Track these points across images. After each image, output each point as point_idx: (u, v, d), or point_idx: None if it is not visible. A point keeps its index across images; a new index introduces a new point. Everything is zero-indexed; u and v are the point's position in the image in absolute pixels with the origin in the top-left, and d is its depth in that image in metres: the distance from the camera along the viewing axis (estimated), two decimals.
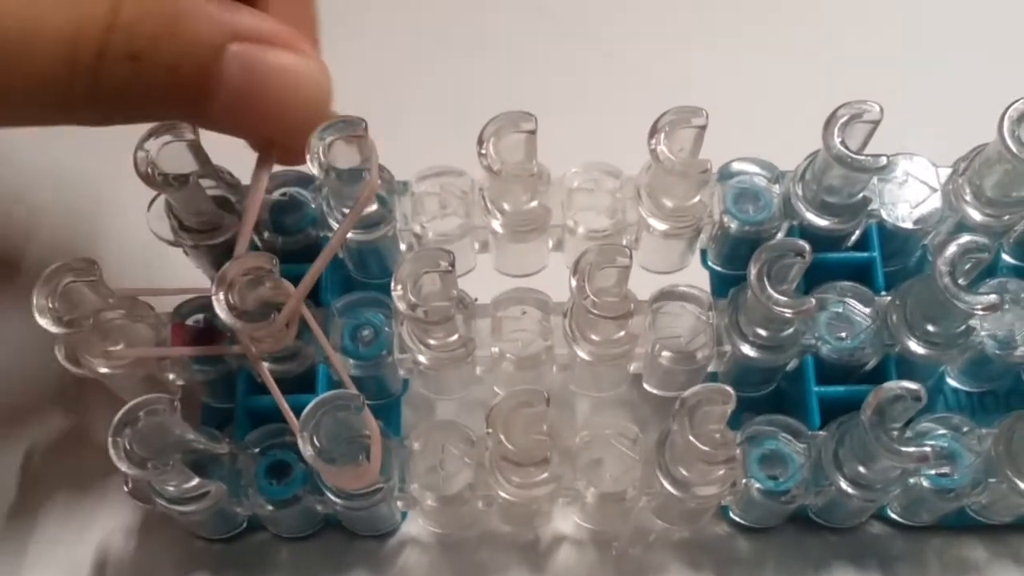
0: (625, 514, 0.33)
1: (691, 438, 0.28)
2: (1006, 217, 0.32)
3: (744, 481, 0.31)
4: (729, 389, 0.28)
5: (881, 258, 0.34)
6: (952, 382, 0.35)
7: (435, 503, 0.32)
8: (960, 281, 0.29)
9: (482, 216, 0.32)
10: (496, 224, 0.32)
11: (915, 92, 0.41)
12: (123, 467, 0.28)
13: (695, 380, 0.32)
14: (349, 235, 0.32)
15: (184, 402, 0.29)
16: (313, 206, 0.33)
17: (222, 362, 0.32)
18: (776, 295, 0.29)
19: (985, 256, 0.29)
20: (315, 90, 0.28)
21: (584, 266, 0.29)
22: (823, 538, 0.35)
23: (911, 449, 0.28)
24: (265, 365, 0.30)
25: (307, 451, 0.27)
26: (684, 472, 0.30)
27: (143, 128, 0.29)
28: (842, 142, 0.30)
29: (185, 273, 0.34)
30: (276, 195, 0.33)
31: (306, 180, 0.33)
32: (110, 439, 0.28)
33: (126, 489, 0.31)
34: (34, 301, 0.29)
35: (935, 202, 0.33)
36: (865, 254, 0.34)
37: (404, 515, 0.35)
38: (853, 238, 0.34)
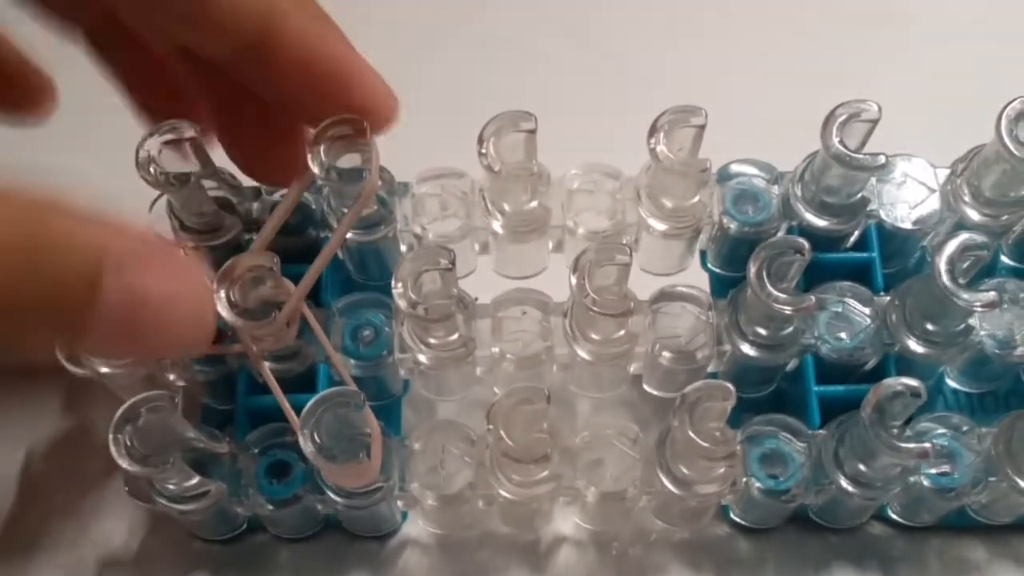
0: (625, 514, 0.33)
1: (691, 434, 0.28)
2: (1004, 217, 0.33)
3: (744, 480, 0.31)
4: (729, 385, 0.28)
5: (880, 259, 0.34)
6: (951, 383, 0.35)
7: (435, 502, 0.32)
8: (959, 280, 0.29)
9: (482, 218, 0.32)
10: (496, 225, 0.32)
11: (913, 93, 0.41)
12: (124, 464, 0.28)
13: (695, 380, 0.31)
14: (350, 236, 0.32)
15: (184, 403, 0.29)
16: (314, 207, 0.33)
17: (222, 362, 0.32)
18: (776, 293, 0.29)
19: (984, 254, 0.29)
20: (198, 314, 0.25)
21: (584, 264, 0.29)
22: (823, 538, 0.35)
23: (911, 445, 0.28)
24: (266, 364, 0.30)
25: (308, 448, 0.28)
26: (685, 470, 0.30)
27: (144, 128, 0.29)
28: (841, 141, 0.30)
29: None
30: (277, 195, 0.33)
31: None
32: (111, 436, 0.28)
33: (126, 489, 0.31)
34: None
35: (934, 203, 0.33)
36: (864, 254, 0.34)
37: (404, 516, 0.35)
38: (852, 239, 0.34)
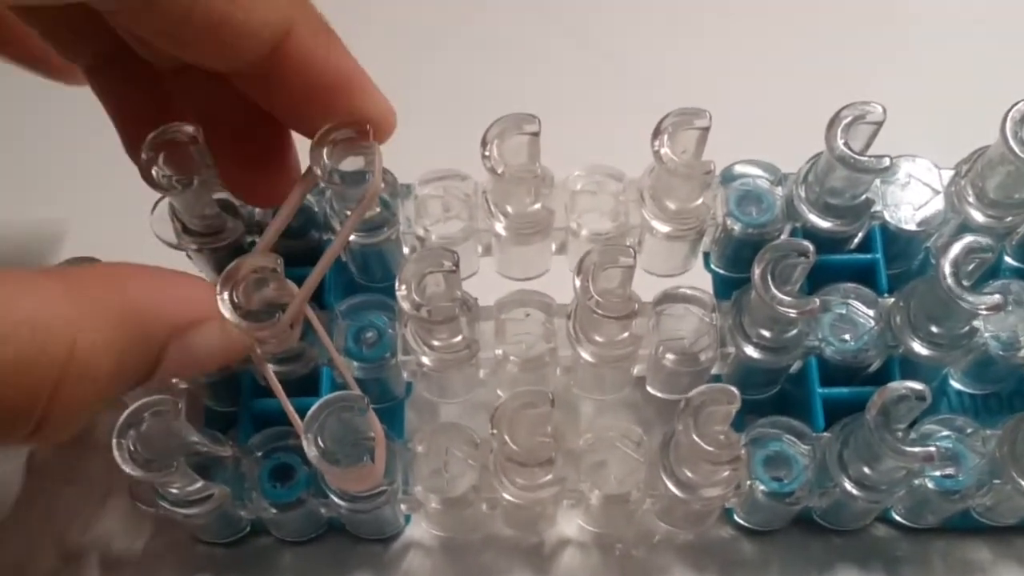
0: (629, 516, 0.33)
1: (696, 438, 0.28)
2: (1008, 219, 0.33)
3: (748, 483, 0.31)
4: (733, 389, 0.28)
5: (884, 260, 0.34)
6: (956, 384, 0.35)
7: (439, 505, 0.31)
8: (964, 282, 0.29)
9: (485, 219, 0.32)
10: (499, 227, 0.32)
11: (914, 93, 0.41)
12: (127, 469, 0.28)
13: (699, 382, 0.32)
14: (352, 238, 0.32)
15: (187, 407, 0.29)
16: (317, 209, 0.33)
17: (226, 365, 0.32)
18: (780, 295, 0.29)
19: (989, 256, 0.29)
20: (234, 353, 0.27)
21: (588, 266, 0.29)
22: (827, 540, 0.35)
23: (917, 449, 0.28)
24: (269, 367, 0.30)
25: (312, 452, 0.27)
26: (689, 473, 0.30)
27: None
28: (845, 143, 0.30)
29: None
30: None
31: None
32: (114, 440, 0.28)
33: (129, 493, 0.31)
34: None
35: (938, 204, 0.33)
36: (868, 256, 0.34)
37: (408, 519, 0.35)
38: (856, 240, 0.34)
